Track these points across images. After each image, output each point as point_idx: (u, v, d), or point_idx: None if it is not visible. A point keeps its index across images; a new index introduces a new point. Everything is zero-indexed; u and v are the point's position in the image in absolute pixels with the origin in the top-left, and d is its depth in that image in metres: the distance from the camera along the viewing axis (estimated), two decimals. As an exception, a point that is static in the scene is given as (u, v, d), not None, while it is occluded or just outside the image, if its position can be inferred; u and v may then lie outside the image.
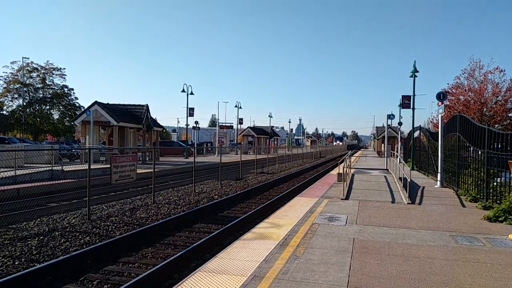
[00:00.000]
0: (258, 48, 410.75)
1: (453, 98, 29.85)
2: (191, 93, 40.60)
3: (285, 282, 4.99)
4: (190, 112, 43.15)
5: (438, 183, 15.57)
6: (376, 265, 5.67)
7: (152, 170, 13.73)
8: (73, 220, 10.32)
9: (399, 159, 19.88)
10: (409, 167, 23.72)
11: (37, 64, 52.03)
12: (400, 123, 34.11)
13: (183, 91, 40.24)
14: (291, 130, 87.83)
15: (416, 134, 26.55)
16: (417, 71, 24.23)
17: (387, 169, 24.78)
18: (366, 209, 10.32)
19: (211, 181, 20.32)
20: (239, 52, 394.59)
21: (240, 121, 63.09)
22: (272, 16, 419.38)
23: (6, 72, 50.90)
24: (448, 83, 32.03)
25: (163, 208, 12.45)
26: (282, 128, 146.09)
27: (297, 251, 6.39)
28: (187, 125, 44.46)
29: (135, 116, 31.37)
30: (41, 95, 53.12)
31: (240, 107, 58.25)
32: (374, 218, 9.16)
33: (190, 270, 6.65)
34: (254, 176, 24.06)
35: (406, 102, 27.08)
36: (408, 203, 11.44)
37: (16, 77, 51.03)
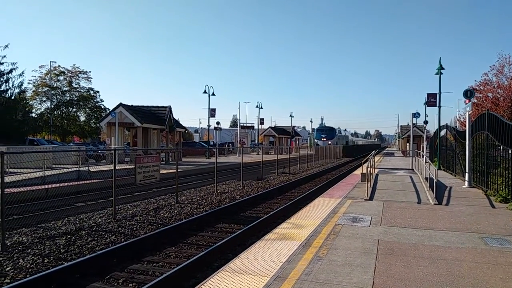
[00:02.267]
0: (280, 48, 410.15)
1: (481, 95, 29.02)
2: (213, 94, 40.90)
3: (308, 283, 4.94)
4: (212, 112, 43.47)
5: (466, 183, 15.14)
6: (401, 267, 5.54)
7: (175, 170, 13.88)
8: (99, 220, 10.54)
9: (425, 159, 19.42)
10: (435, 166, 23.18)
11: (64, 68, 53.62)
12: (425, 122, 33.37)
13: (205, 92, 40.58)
14: (313, 129, 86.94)
15: (443, 133, 25.88)
16: (443, 68, 23.62)
17: (412, 169, 24.28)
18: (391, 210, 10.13)
19: (232, 181, 20.40)
20: (261, 53, 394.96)
21: (261, 121, 63.02)
22: (293, 17, 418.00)
23: (35, 76, 52.63)
24: (475, 80, 31.25)
25: (186, 208, 12.57)
26: (304, 127, 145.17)
27: (320, 252, 6.32)
28: (208, 125, 44.81)
29: (158, 117, 31.84)
30: (68, 97, 54.65)
31: (261, 107, 58.29)
32: (399, 219, 8.97)
33: (213, 269, 6.67)
34: (276, 176, 24.01)
35: (432, 100, 26.47)
36: (434, 204, 11.16)
37: (44, 80, 52.68)
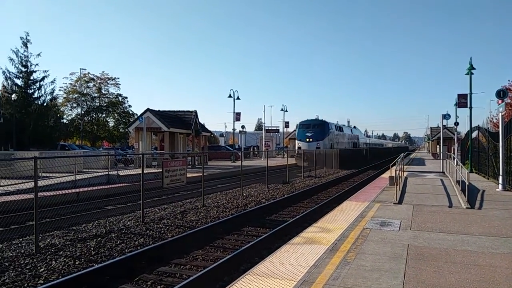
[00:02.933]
0: (303, 50, 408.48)
1: (514, 95, 27.88)
2: (238, 98, 41.18)
3: (335, 288, 4.87)
4: (237, 116, 43.78)
5: (500, 186, 14.57)
6: (432, 273, 5.37)
7: (201, 174, 14.01)
8: (128, 222, 10.75)
9: (456, 161, 18.85)
10: (467, 169, 22.46)
11: (93, 75, 55.23)
12: (456, 123, 32.36)
13: (230, 96, 40.89)
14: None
15: (474, 134, 25.04)
16: (474, 68, 22.86)
17: (443, 172, 23.60)
18: (421, 214, 9.86)
19: (258, 185, 20.39)
20: (284, 55, 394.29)
21: (286, 124, 62.86)
22: (314, 19, 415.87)
23: (66, 83, 54.44)
24: (509, 80, 30.13)
25: (212, 211, 12.65)
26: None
27: (347, 256, 6.22)
28: (234, 129, 45.10)
29: (184, 122, 32.28)
30: (98, 103, 56.21)
31: (286, 110, 58.14)
32: (430, 223, 8.72)
33: (239, 273, 6.68)
34: (302, 180, 23.85)
35: (463, 101, 25.67)
36: (466, 208, 10.79)
37: (74, 87, 54.41)
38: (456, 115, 31.87)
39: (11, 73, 40.26)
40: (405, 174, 21.41)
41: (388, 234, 7.70)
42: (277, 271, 5.54)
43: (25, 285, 6.29)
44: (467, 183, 11.56)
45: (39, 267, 7.05)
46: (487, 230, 8.09)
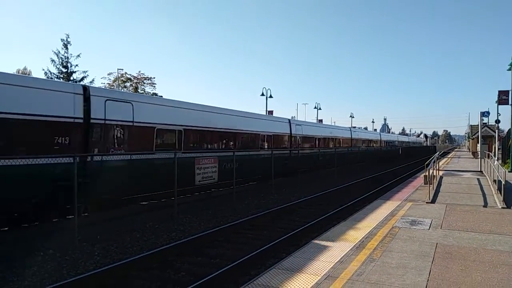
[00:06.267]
0: (337, 47, 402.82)
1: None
2: (270, 96, 41.28)
3: (359, 283, 4.97)
4: (269, 114, 43.86)
5: (542, 186, 13.96)
6: (459, 271, 5.35)
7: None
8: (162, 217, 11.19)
9: (494, 160, 18.18)
10: (507, 168, 21.56)
11: (130, 75, 56.97)
12: (497, 121, 31.04)
13: (262, 94, 41.08)
14: (375, 130, 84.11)
15: (516, 132, 24.00)
16: (516, 63, 21.93)
17: (481, 171, 22.77)
18: (454, 213, 9.69)
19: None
20: (318, 53, 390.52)
21: (320, 122, 62.35)
22: (345, 16, 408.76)
23: (104, 83, 56.50)
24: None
25: (242, 208, 12.90)
26: (366, 128, 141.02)
27: (374, 254, 6.28)
28: (267, 128, 45.22)
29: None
30: (135, 103, 57.92)
31: (320, 108, 57.70)
32: (462, 223, 8.57)
33: (266, 267, 6.88)
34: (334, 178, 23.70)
35: (504, 97, 24.64)
36: (502, 208, 10.47)
37: (112, 87, 56.36)
38: (497, 113, 30.60)
39: (52, 74, 42.13)
40: (441, 173, 20.85)
41: (417, 233, 7.66)
42: (302, 266, 5.70)
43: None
44: (503, 182, 11.20)
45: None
46: (521, 230, 7.88)
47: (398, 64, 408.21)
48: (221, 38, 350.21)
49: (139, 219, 10.87)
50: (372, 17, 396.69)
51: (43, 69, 42.60)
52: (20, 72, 54.13)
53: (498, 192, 12.37)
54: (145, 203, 13.02)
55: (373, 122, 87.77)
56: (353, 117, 69.52)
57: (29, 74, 44.75)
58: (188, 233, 9.66)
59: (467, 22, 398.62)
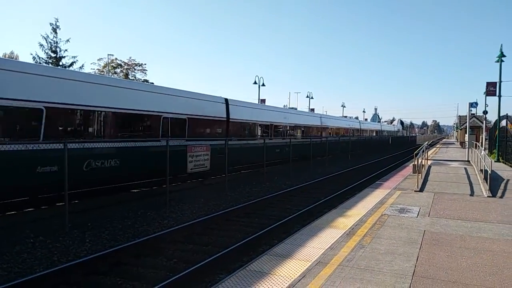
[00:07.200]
0: (330, 37, 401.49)
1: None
2: (263, 85, 41.20)
3: (349, 269, 5.09)
4: (262, 103, 43.82)
5: (527, 176, 14.29)
6: (445, 257, 5.51)
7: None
8: (153, 204, 11.22)
9: (481, 150, 18.50)
10: (493, 158, 21.95)
11: (120, 60, 56.24)
12: (485, 112, 31.48)
13: (255, 83, 40.97)
14: (366, 119, 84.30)
15: (503, 123, 24.38)
16: (504, 56, 22.20)
17: (468, 161, 23.17)
18: (441, 202, 9.89)
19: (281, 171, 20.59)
20: (310, 42, 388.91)
21: (312, 111, 62.47)
22: (341, 6, 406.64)
23: (94, 69, 55.67)
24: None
25: (234, 196, 12.99)
26: (357, 117, 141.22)
27: (363, 240, 6.41)
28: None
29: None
30: (125, 90, 57.29)
31: (312, 97, 57.80)
32: (449, 211, 8.77)
33: (257, 253, 6.98)
34: (325, 166, 23.89)
35: (491, 89, 24.96)
36: (488, 196, 10.72)
37: (102, 73, 55.62)
38: (485, 104, 31.03)
39: (41, 59, 41.30)
40: (430, 162, 21.16)
41: (406, 220, 7.83)
42: (293, 252, 5.80)
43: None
44: (489, 171, 11.44)
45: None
46: (505, 218, 8.09)
47: (392, 55, 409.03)
48: (214, 28, 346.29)
49: (130, 206, 10.89)
50: (365, 12, 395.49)
51: (31, 54, 41.69)
52: (7, 56, 53.10)
53: (484, 181, 12.64)
54: (136, 190, 13.03)
55: (364, 111, 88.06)
56: (344, 106, 69.74)
57: (16, 59, 43.80)
58: (180, 220, 9.72)
59: (459, 14, 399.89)
